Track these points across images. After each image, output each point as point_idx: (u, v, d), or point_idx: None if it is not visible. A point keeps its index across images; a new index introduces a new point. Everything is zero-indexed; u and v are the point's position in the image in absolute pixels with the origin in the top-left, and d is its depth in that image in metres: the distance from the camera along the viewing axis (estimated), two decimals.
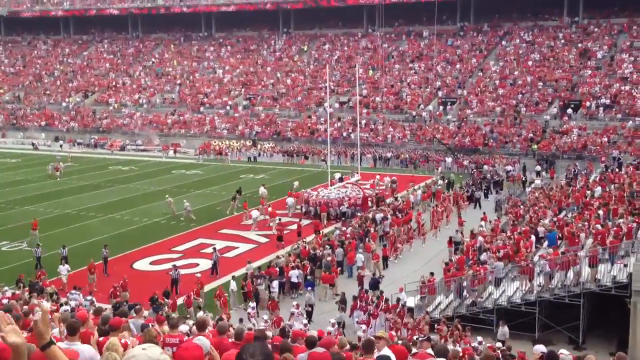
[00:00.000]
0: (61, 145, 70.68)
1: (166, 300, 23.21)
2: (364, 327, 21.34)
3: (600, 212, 27.80)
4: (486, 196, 42.85)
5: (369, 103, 67.05)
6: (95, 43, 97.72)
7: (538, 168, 49.69)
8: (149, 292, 24.88)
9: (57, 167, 52.13)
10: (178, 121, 72.67)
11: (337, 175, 45.73)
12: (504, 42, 72.55)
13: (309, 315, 23.73)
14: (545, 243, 26.96)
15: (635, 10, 68.27)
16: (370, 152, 58.02)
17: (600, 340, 21.52)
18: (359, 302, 23.29)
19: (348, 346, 10.55)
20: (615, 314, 21.48)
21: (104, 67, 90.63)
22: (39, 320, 3.47)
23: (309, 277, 26.46)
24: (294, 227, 34.75)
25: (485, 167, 50.11)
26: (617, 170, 41.01)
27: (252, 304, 23.72)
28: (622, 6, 69.97)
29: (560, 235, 26.86)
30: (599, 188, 34.07)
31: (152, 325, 10.76)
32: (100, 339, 8.19)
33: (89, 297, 22.82)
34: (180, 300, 24.00)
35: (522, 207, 35.21)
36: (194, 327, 10.86)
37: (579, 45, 67.26)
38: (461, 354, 12.82)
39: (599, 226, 25.30)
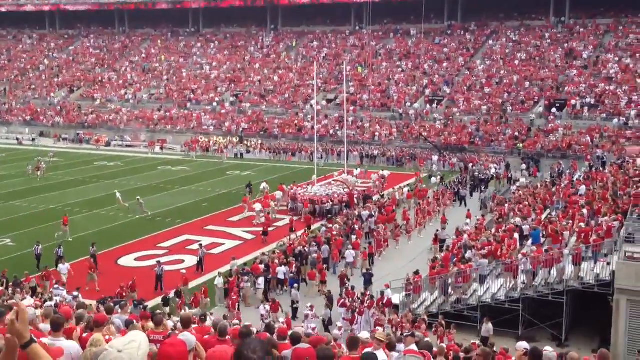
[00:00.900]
0: (33, 139, 70.24)
1: (177, 300, 23.26)
2: (339, 323, 21.40)
3: (585, 210, 27.99)
4: (472, 194, 43.05)
5: (356, 101, 67.11)
6: (81, 38, 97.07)
7: (523, 167, 49.96)
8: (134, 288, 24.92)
9: (39, 166, 49.43)
10: (164, 117, 72.37)
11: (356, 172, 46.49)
12: (490, 41, 72.86)
13: (294, 312, 23.77)
14: (530, 241, 27.14)
15: (621, 10, 68.83)
16: (357, 150, 58.07)
17: (583, 338, 21.71)
18: (346, 299, 23.33)
19: (333, 342, 10.60)
20: (598, 312, 21.66)
21: (90, 62, 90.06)
22: (18, 319, 3.40)
23: (292, 274, 26.40)
24: (279, 224, 34.77)
25: (471, 165, 50.30)
26: (600, 169, 41.30)
27: (266, 306, 23.20)
28: (608, 7, 70.49)
29: (544, 234, 27.04)
30: (583, 187, 34.33)
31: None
32: (85, 335, 8.17)
33: (74, 293, 22.72)
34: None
35: (507, 205, 35.39)
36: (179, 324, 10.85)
37: (565, 45, 67.69)
38: (446, 351, 12.89)
39: (582, 224, 25.51)
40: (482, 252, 25.66)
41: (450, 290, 24.40)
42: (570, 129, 54.65)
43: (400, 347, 11.19)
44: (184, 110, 73.28)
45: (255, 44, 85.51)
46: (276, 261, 27.18)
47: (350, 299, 23.38)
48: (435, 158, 54.24)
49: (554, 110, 57.75)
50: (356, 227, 32.41)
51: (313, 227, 34.25)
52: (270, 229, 34.28)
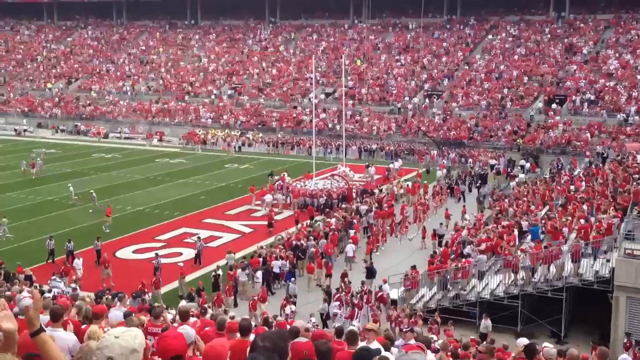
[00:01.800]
0: (24, 130, 70.05)
1: (197, 297, 23.16)
2: (337, 312, 21.38)
3: (585, 207, 27.92)
4: (470, 190, 42.95)
5: (355, 94, 66.97)
6: (79, 29, 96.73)
7: (523, 162, 49.84)
8: (132, 280, 24.82)
9: (33, 163, 47.65)
10: (162, 109, 72.18)
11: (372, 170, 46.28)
12: (490, 36, 72.70)
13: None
14: (529, 237, 27.05)
15: (621, 6, 68.70)
16: (356, 144, 57.97)
17: (582, 334, 21.64)
18: (342, 294, 23.25)
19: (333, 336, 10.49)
20: (597, 308, 21.61)
21: (87, 53, 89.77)
22: (31, 308, 3.46)
23: (286, 267, 26.28)
24: (279, 217, 34.71)
25: (471, 160, 50.22)
26: (600, 165, 41.22)
27: (292, 307, 22.70)
28: (608, 2, 70.42)
29: (543, 230, 26.97)
30: (583, 183, 34.26)
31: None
32: (83, 327, 8.07)
33: (72, 285, 22.65)
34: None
35: (506, 200, 35.29)
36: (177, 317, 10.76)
37: (565, 40, 67.57)
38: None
39: (582, 221, 25.44)
40: (480, 248, 25.58)
41: (448, 285, 24.34)
42: (570, 124, 54.57)
43: (399, 342, 11.12)
44: (182, 102, 73.10)
45: (254, 37, 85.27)
46: (273, 254, 27.10)
47: (349, 295, 23.30)
48: (434, 153, 54.13)
49: (553, 105, 57.67)
50: (354, 221, 32.30)
51: (306, 221, 34.16)
52: (276, 217, 34.58)
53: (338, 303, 22.78)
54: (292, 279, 25.38)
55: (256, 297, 23.39)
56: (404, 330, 12.36)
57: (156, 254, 26.88)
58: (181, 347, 5.31)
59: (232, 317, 13.49)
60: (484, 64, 67.52)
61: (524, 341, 11.81)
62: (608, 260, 21.87)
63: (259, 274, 25.50)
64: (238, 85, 74.62)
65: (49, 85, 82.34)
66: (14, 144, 63.44)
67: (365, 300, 22.97)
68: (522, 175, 44.47)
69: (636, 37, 64.18)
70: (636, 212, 23.08)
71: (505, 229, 27.61)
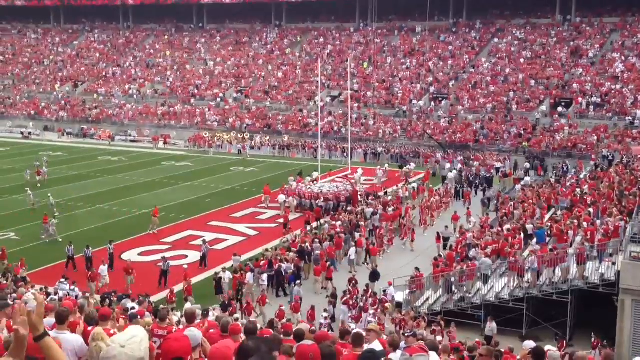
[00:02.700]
0: (29, 134, 70.28)
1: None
2: (351, 323, 21.34)
3: (590, 210, 27.88)
4: (476, 193, 42.89)
5: (360, 98, 67.01)
6: (85, 33, 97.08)
7: (527, 165, 49.80)
8: (139, 282, 24.91)
9: (39, 171, 45.93)
10: (168, 112, 72.36)
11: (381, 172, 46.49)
12: (496, 39, 72.64)
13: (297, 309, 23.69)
14: (534, 240, 27.01)
15: (628, 9, 68.58)
16: (361, 147, 57.99)
17: (588, 338, 21.56)
18: (349, 298, 23.27)
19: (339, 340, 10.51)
20: (602, 312, 21.55)
21: (94, 57, 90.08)
22: (34, 312, 3.43)
23: (290, 270, 26.25)
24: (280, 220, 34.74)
25: (476, 163, 50.15)
26: (607, 168, 41.14)
27: (324, 314, 22.42)
28: (614, 5, 70.26)
29: (549, 233, 26.92)
30: (587, 186, 34.21)
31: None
32: (89, 329, 8.11)
33: (73, 287, 22.72)
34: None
35: (512, 204, 35.25)
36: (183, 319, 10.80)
37: (571, 43, 67.47)
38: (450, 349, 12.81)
39: (585, 224, 25.40)
40: (486, 251, 25.56)
41: (454, 288, 24.32)
42: (576, 128, 54.48)
43: (402, 344, 11.11)
44: (187, 105, 73.27)
45: (260, 40, 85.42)
46: (279, 257, 27.12)
47: (355, 297, 23.33)
48: (439, 156, 54.08)
49: (559, 109, 57.58)
50: (361, 224, 32.31)
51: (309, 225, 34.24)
52: (281, 220, 34.73)
53: (346, 307, 22.80)
54: (297, 281, 25.38)
55: (251, 301, 23.46)
56: (407, 334, 12.31)
57: (163, 257, 26.89)
58: (183, 350, 5.33)
59: (236, 320, 13.55)
60: (490, 67, 67.49)
61: (529, 344, 11.82)
62: (614, 263, 21.81)
63: (265, 277, 25.52)
64: (245, 88, 74.76)
65: (57, 86, 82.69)
66: (21, 147, 63.68)
67: (371, 303, 22.97)
68: (527, 178, 44.41)
69: None
70: None
71: (511, 232, 27.59)
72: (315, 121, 59.56)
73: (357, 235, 30.70)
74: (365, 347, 7.90)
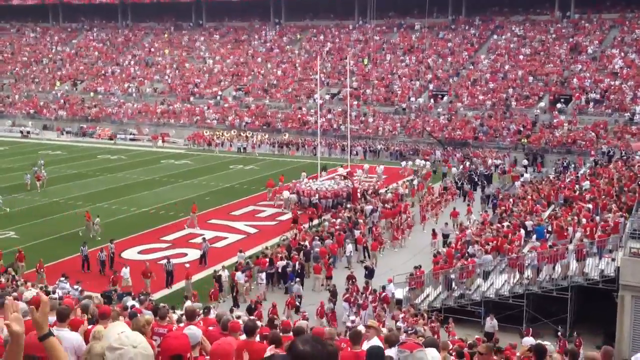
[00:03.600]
0: (29, 132, 70.54)
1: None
2: (352, 317, 21.40)
3: (590, 206, 27.89)
4: (475, 189, 42.93)
5: (360, 95, 66.98)
6: (84, 31, 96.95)
7: (525, 162, 49.93)
8: (137, 280, 24.90)
9: (39, 175, 43.54)
10: (167, 111, 72.33)
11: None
12: (495, 36, 72.56)
13: (297, 306, 23.72)
14: (534, 237, 27.02)
15: (627, 5, 68.53)
16: (361, 145, 57.98)
17: (587, 334, 21.60)
18: (350, 295, 23.32)
19: (337, 337, 10.53)
20: (602, 308, 21.57)
21: (93, 55, 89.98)
22: (39, 311, 3.40)
23: (289, 268, 26.30)
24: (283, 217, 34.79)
25: (475, 160, 50.20)
26: (606, 164, 41.16)
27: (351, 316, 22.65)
28: (613, 1, 70.24)
29: (549, 229, 26.94)
30: (587, 182, 34.23)
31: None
32: (89, 327, 8.12)
33: (76, 286, 22.72)
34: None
35: (511, 200, 35.28)
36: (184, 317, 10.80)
37: (570, 39, 67.42)
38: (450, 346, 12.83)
39: (585, 220, 25.43)
40: (486, 248, 25.57)
41: (453, 285, 24.34)
42: (575, 124, 54.48)
43: (403, 337, 11.13)
44: (187, 104, 73.24)
45: (259, 38, 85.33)
46: (279, 255, 27.13)
47: (355, 294, 23.36)
48: (438, 153, 54.13)
49: (558, 105, 57.59)
50: (360, 221, 32.32)
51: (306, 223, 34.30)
52: (281, 217, 34.99)
53: (347, 304, 22.86)
54: (297, 279, 25.38)
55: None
56: (409, 331, 12.35)
57: (167, 258, 26.85)
58: (181, 347, 5.34)
59: (238, 317, 13.55)
60: (489, 64, 67.44)
61: (529, 341, 11.82)
62: (613, 260, 21.84)
63: (263, 275, 25.53)
64: (244, 86, 74.72)
65: (57, 84, 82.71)
66: (21, 146, 63.67)
67: (370, 300, 23.00)
68: (527, 175, 44.45)
69: None
70: None
71: (510, 229, 27.61)
72: (314, 119, 59.56)
73: (356, 232, 30.72)
74: (365, 344, 7.91)
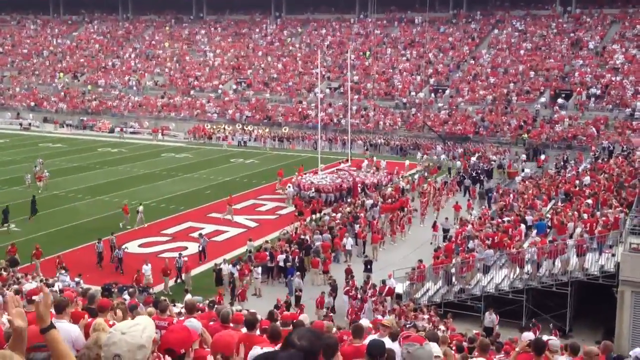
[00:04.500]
0: (29, 124, 70.67)
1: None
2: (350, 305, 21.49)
3: (590, 201, 27.88)
4: (474, 184, 42.89)
5: (360, 89, 66.91)
6: (85, 24, 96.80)
7: (524, 157, 49.95)
8: (158, 278, 25.02)
9: (41, 176, 42.16)
10: (168, 104, 72.26)
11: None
12: (496, 31, 72.46)
13: (298, 300, 23.74)
14: (534, 232, 27.03)
15: (628, 1, 68.41)
16: (361, 139, 57.94)
17: (587, 329, 21.66)
18: (351, 289, 23.33)
19: (335, 330, 10.55)
20: (602, 303, 21.60)
21: (93, 48, 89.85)
22: (41, 303, 3.38)
23: (288, 262, 26.30)
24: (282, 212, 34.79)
25: (477, 154, 50.17)
26: (606, 160, 41.12)
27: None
28: None
29: (549, 225, 26.93)
30: (588, 177, 34.21)
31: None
32: (89, 320, 8.12)
33: (76, 279, 22.75)
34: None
35: (511, 195, 35.27)
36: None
37: (571, 35, 67.32)
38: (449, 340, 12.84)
39: (586, 215, 25.43)
40: (487, 242, 25.56)
41: (453, 280, 24.35)
42: (576, 119, 54.43)
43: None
44: (187, 97, 73.16)
45: (259, 32, 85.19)
46: (279, 249, 27.13)
47: (353, 289, 23.37)
48: (439, 148, 54.09)
49: (559, 100, 57.52)
50: (361, 215, 32.33)
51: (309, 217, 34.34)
52: (281, 211, 35.13)
53: (348, 298, 22.89)
54: (297, 273, 25.38)
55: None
56: (407, 326, 12.36)
57: (179, 254, 26.89)
58: (184, 340, 5.35)
59: (239, 311, 13.56)
60: (490, 59, 67.35)
61: (529, 335, 11.81)
62: (613, 255, 21.85)
63: (259, 269, 25.55)
64: (244, 79, 74.63)
65: (60, 75, 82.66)
66: (22, 139, 63.66)
67: (370, 295, 23.00)
68: (527, 170, 44.45)
69: None
70: None
71: (511, 224, 27.60)
72: (315, 113, 59.52)
73: (356, 227, 30.72)
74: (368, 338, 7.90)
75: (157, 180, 44.72)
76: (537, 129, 54.54)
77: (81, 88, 79.85)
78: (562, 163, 45.29)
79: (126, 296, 16.80)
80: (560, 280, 22.01)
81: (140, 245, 30.19)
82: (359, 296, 22.86)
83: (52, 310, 6.94)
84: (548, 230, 26.26)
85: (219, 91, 73.12)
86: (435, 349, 6.12)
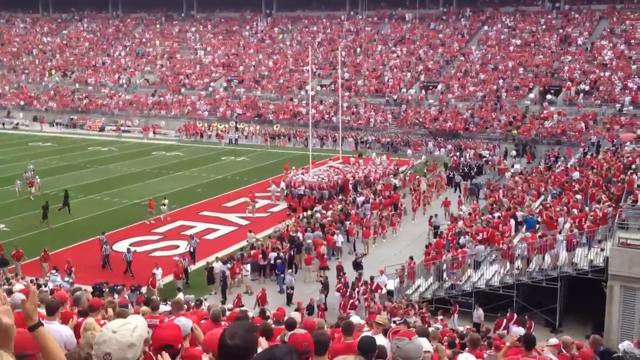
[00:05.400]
0: (16, 124, 69.81)
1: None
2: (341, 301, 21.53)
3: (579, 196, 28.03)
4: (465, 180, 43.04)
5: (351, 86, 66.95)
6: (74, 22, 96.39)
7: (514, 153, 50.14)
8: (137, 273, 24.93)
9: (31, 182, 40.51)
10: (158, 102, 72.09)
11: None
12: (485, 27, 72.65)
13: (289, 297, 23.79)
14: (524, 227, 27.15)
15: None
16: (352, 136, 58.01)
17: (577, 323, 21.82)
18: (342, 286, 23.42)
19: (326, 328, 10.59)
20: (591, 298, 21.74)
21: (83, 46, 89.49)
22: (28, 301, 3.40)
23: (279, 260, 26.31)
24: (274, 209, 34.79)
25: (469, 150, 50.33)
26: (595, 155, 41.32)
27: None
28: None
29: (538, 220, 27.05)
30: (577, 173, 34.39)
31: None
32: (79, 320, 8.15)
33: (67, 279, 22.71)
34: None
35: (501, 191, 35.40)
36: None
37: (560, 31, 67.57)
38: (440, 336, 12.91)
39: (575, 210, 25.57)
40: (478, 238, 25.67)
41: (445, 276, 24.45)
42: (565, 115, 54.66)
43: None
44: (178, 95, 73.01)
45: (250, 29, 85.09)
46: (270, 247, 27.16)
47: (345, 285, 23.46)
48: (430, 144, 54.23)
49: (548, 96, 57.76)
50: (352, 212, 32.41)
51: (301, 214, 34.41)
52: (273, 209, 35.44)
53: (339, 294, 22.97)
54: (289, 270, 25.43)
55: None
56: (398, 322, 12.44)
57: (181, 254, 26.86)
58: (170, 337, 5.38)
59: (230, 309, 13.61)
60: (480, 55, 67.52)
61: (519, 331, 11.90)
62: (602, 250, 21.99)
63: (248, 267, 25.58)
64: (235, 77, 74.52)
65: (52, 73, 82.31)
66: (10, 138, 63.37)
67: (361, 292, 23.08)
68: (517, 166, 44.63)
69: (631, 27, 64.19)
70: (630, 202, 23.21)
71: (500, 220, 27.72)
72: (305, 110, 59.52)
73: (347, 224, 30.78)
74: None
75: (148, 178, 44.63)
76: (527, 124, 54.74)
77: (71, 87, 79.54)
78: (553, 159, 45.48)
79: (116, 295, 16.82)
80: (550, 275, 22.15)
81: (131, 244, 30.09)
82: (348, 293, 22.95)
83: (44, 312, 6.97)
84: (537, 225, 26.38)
85: (210, 89, 72.99)
86: (425, 344, 6.18)
